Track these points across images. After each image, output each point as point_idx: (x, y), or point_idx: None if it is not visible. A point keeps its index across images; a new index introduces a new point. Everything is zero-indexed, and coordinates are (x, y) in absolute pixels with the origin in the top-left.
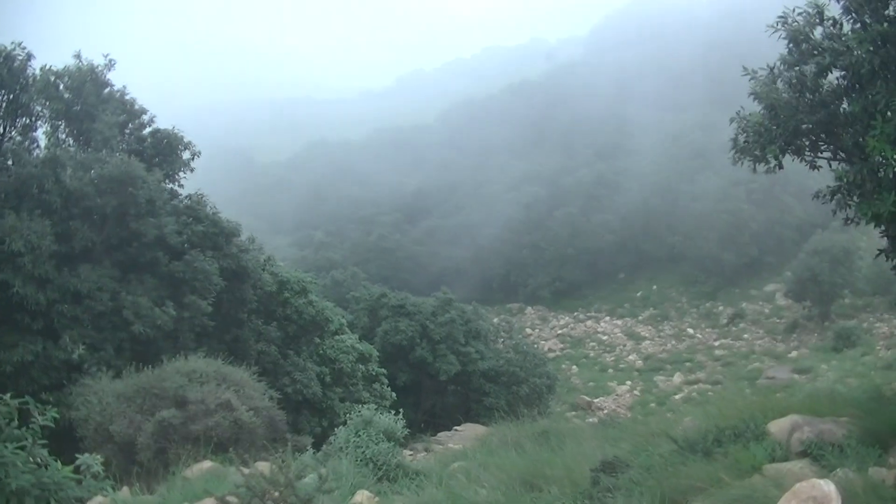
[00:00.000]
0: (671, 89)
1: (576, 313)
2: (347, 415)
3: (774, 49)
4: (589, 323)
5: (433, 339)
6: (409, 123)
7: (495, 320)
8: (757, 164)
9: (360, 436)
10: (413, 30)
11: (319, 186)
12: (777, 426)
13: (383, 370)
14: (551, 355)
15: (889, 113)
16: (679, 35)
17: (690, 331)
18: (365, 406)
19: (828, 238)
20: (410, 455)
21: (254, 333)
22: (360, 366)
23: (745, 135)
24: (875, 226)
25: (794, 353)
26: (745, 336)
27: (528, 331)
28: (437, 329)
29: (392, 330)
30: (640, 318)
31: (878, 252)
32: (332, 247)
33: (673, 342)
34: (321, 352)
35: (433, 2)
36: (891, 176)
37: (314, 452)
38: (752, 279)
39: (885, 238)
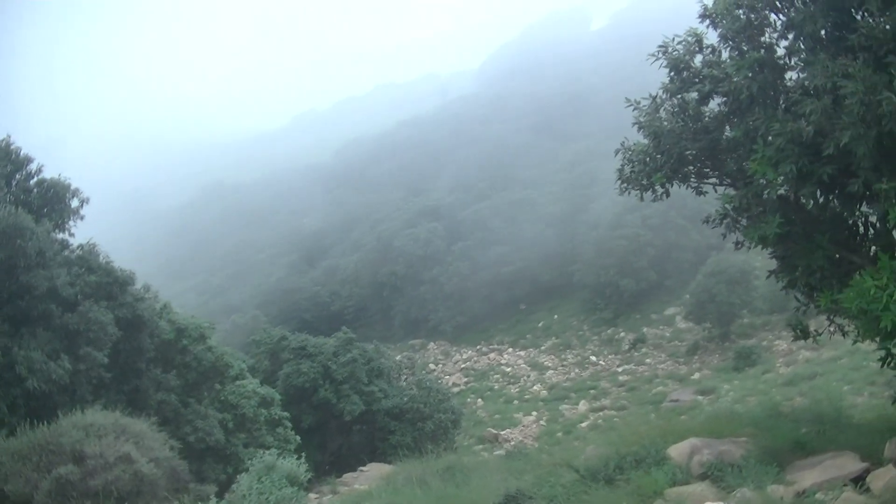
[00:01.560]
0: (564, 119)
1: (478, 346)
2: (250, 461)
3: (663, 76)
4: (492, 355)
5: (336, 380)
6: (303, 163)
7: (398, 357)
8: (644, 193)
9: (262, 482)
10: (305, 70)
11: (217, 230)
12: (677, 450)
13: (286, 413)
14: (456, 389)
15: (769, 137)
16: (570, 65)
17: (593, 358)
18: (268, 451)
19: (724, 259)
20: (316, 498)
21: (153, 383)
22: (263, 410)
23: (630, 165)
24: (762, 248)
25: (696, 375)
26: (648, 360)
27: (432, 366)
28: (339, 369)
29: (294, 372)
30: (542, 347)
31: (768, 273)
32: (232, 291)
33: (576, 370)
34: (222, 398)
35: (324, 41)
36: (775, 198)
37: (217, 501)
38: (651, 304)
39: (774, 259)
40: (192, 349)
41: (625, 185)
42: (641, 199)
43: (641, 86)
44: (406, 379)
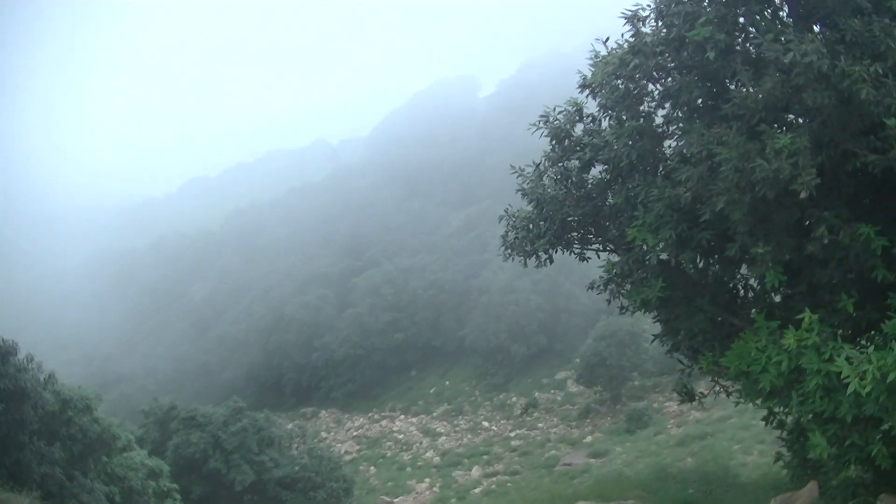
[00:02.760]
0: (455, 185)
1: (370, 413)
2: None
3: (548, 143)
4: (384, 422)
5: (226, 450)
6: (193, 230)
7: (289, 426)
8: (528, 260)
9: None
10: (195, 136)
11: (106, 297)
12: None
13: (175, 485)
14: (348, 457)
15: (649, 203)
16: (460, 131)
17: (486, 423)
18: None
19: (613, 323)
20: None
21: (36, 456)
22: (152, 482)
23: (514, 231)
24: (645, 312)
25: (589, 438)
26: (540, 425)
27: (324, 434)
28: (229, 439)
29: (183, 443)
30: (434, 414)
31: (653, 337)
32: (120, 360)
33: (469, 436)
34: (109, 470)
35: (213, 107)
36: (656, 263)
37: None
38: (542, 368)
39: (658, 323)
40: (78, 420)
41: (509, 251)
42: (525, 265)
43: (529, 151)
44: (297, 448)
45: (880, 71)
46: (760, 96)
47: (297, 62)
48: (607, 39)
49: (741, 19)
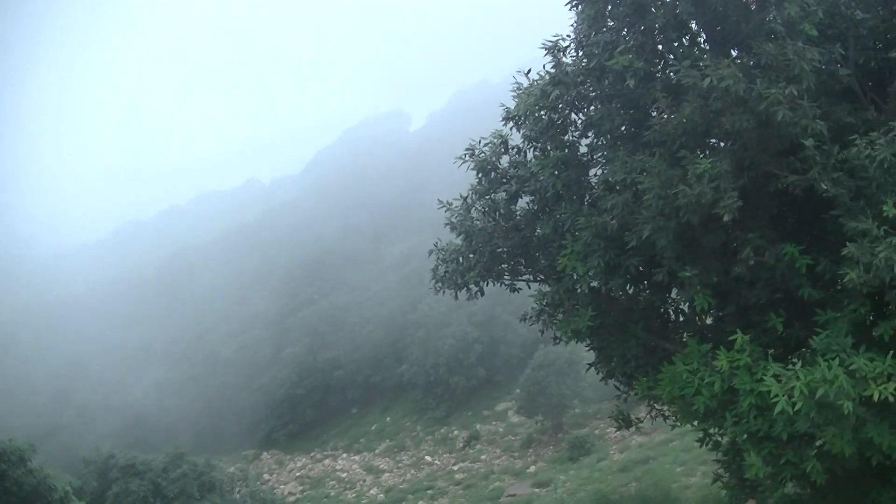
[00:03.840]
0: (388, 219)
1: (312, 453)
2: None
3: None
4: (327, 462)
5: (167, 497)
6: (126, 275)
7: (231, 469)
8: (458, 293)
9: None
10: (125, 180)
11: (40, 347)
12: None
13: None
14: (291, 499)
15: (576, 232)
16: (392, 165)
17: (428, 458)
18: None
19: (552, 351)
20: None
21: None
22: None
23: (444, 265)
24: (577, 341)
25: (532, 468)
26: (483, 457)
27: (266, 476)
28: (170, 486)
29: (123, 492)
30: (377, 451)
31: (587, 366)
32: (57, 410)
33: (412, 471)
34: None
35: (144, 148)
36: (587, 292)
37: None
38: (483, 400)
39: (592, 351)
40: (11, 473)
41: (439, 284)
42: (456, 297)
43: (461, 183)
44: (239, 491)
45: (795, 93)
46: (683, 120)
47: (224, 102)
48: (529, 71)
49: (660, 47)
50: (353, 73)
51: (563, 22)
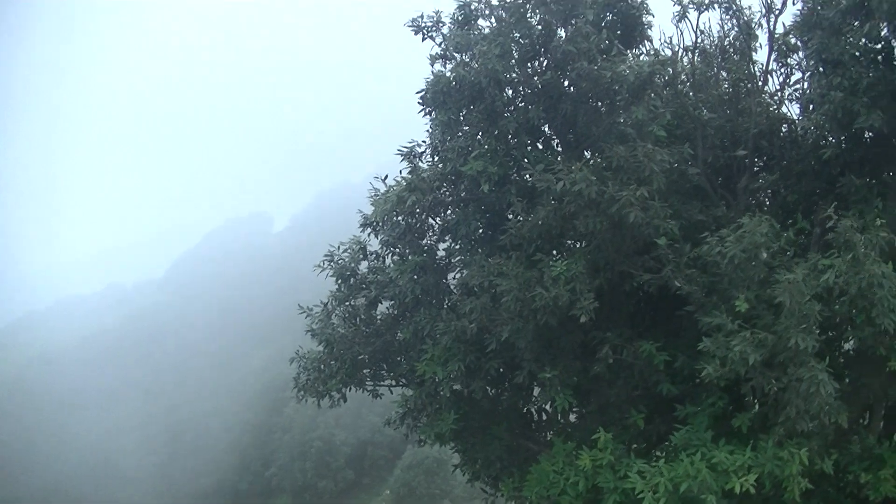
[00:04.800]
0: (252, 322)
1: None
2: None
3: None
4: None
5: None
6: None
7: None
8: (321, 400)
9: None
10: None
11: None
12: None
13: None
14: None
15: (436, 336)
16: (255, 267)
17: None
18: None
19: (420, 452)
20: None
21: None
22: None
23: (306, 373)
24: (441, 444)
25: None
26: None
27: None
28: None
29: None
30: None
31: (453, 468)
32: None
33: None
34: None
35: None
36: (448, 395)
37: None
38: (352, 502)
39: (457, 453)
40: None
41: (301, 393)
42: (319, 405)
43: (323, 287)
44: None
45: (646, 194)
46: (539, 223)
47: (83, 206)
48: (385, 177)
49: (514, 151)
50: (215, 175)
51: (423, 122)
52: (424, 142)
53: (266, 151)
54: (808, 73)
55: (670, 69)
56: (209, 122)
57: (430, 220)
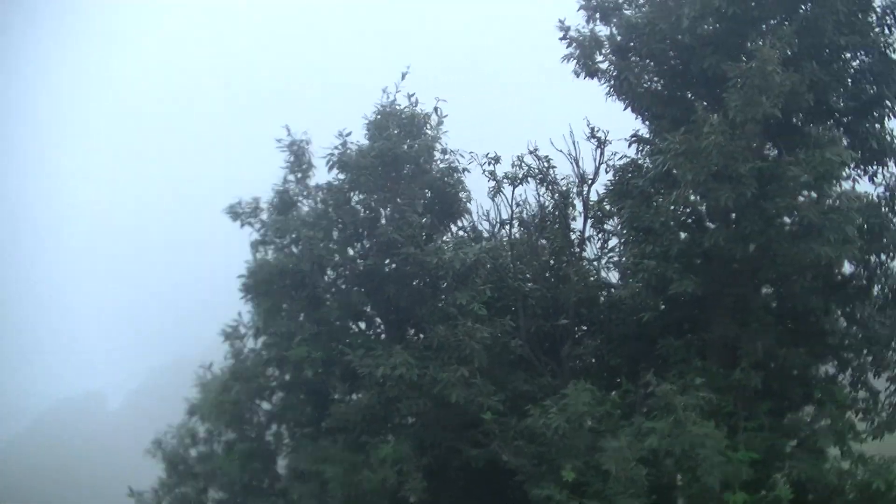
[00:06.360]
0: None
1: None
2: None
3: None
4: None
5: None
6: None
7: None
8: None
9: None
10: None
11: None
12: None
13: None
14: None
15: None
16: (90, 444)
17: None
18: None
19: None
20: None
21: None
22: None
23: None
24: None
25: None
26: None
27: None
28: None
29: None
30: None
31: None
32: None
33: None
34: None
35: None
36: None
37: None
38: None
39: None
40: None
41: None
42: None
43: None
44: None
45: (467, 373)
46: (364, 406)
47: None
48: (210, 365)
49: (338, 334)
50: (45, 353)
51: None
52: (248, 325)
53: (98, 323)
54: (622, 240)
55: (486, 243)
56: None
57: (257, 404)
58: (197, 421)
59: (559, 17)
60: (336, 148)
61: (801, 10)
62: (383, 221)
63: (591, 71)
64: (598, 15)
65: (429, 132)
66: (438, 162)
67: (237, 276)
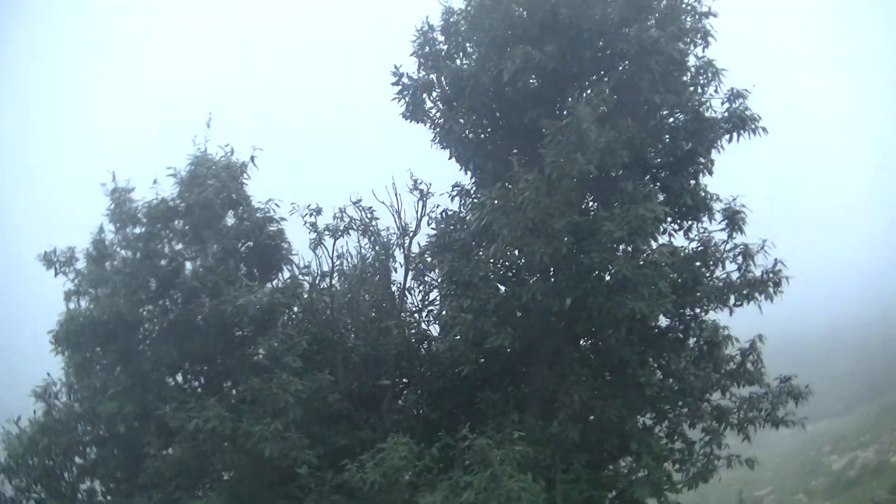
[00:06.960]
0: None
1: None
2: None
3: None
4: None
5: None
6: None
7: None
8: None
9: None
10: None
11: None
12: None
13: None
14: None
15: None
16: None
17: None
18: None
19: None
20: None
21: None
22: None
23: None
24: None
25: None
26: None
27: None
28: None
29: None
30: None
31: None
32: None
33: None
34: None
35: None
36: None
37: None
38: None
39: None
40: None
41: None
42: None
43: None
44: None
45: (281, 427)
46: (177, 460)
47: None
48: (18, 418)
49: (152, 387)
50: None
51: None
52: (60, 380)
53: None
54: (442, 293)
55: (305, 296)
56: None
57: (69, 460)
58: (3, 480)
59: (394, 64)
60: (142, 199)
61: (618, 68)
62: (187, 272)
63: (419, 115)
64: (429, 63)
65: (245, 182)
66: (256, 213)
67: (47, 332)
